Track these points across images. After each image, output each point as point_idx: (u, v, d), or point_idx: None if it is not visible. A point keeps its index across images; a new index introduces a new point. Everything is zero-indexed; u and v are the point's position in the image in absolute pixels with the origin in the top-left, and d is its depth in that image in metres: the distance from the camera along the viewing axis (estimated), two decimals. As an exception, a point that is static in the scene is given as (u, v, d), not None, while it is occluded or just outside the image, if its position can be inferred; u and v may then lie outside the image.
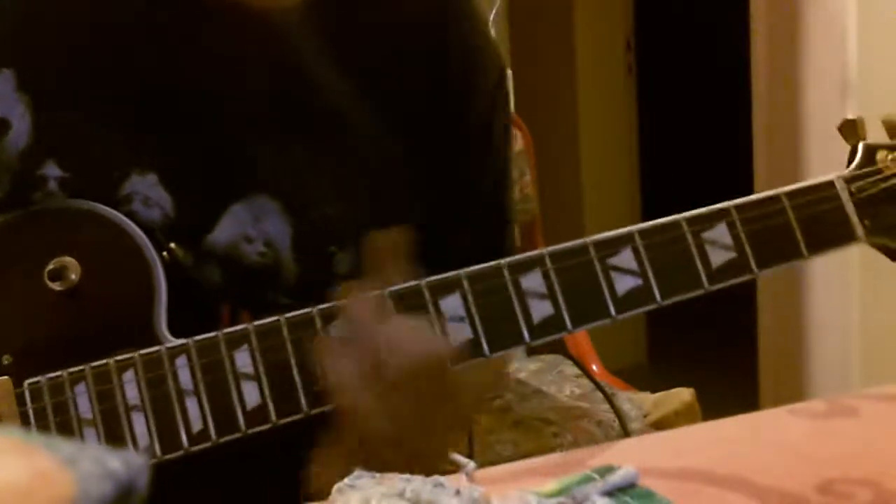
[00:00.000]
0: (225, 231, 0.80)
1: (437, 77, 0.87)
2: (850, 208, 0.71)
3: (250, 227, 0.80)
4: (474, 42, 0.91)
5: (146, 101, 0.80)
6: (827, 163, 2.63)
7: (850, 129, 0.74)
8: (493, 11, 2.35)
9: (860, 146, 0.73)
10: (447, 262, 0.90)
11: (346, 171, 0.83)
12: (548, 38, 3.91)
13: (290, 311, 0.78)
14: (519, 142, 2.16)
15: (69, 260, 0.74)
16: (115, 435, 0.70)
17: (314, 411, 0.70)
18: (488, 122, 0.92)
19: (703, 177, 4.47)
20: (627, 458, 0.61)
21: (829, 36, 2.35)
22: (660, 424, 1.92)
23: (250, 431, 0.70)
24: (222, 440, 0.70)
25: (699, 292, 0.71)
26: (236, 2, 0.83)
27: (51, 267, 0.74)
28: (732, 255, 0.71)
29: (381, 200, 0.85)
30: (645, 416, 1.96)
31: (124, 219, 0.76)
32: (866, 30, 2.27)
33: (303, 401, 0.70)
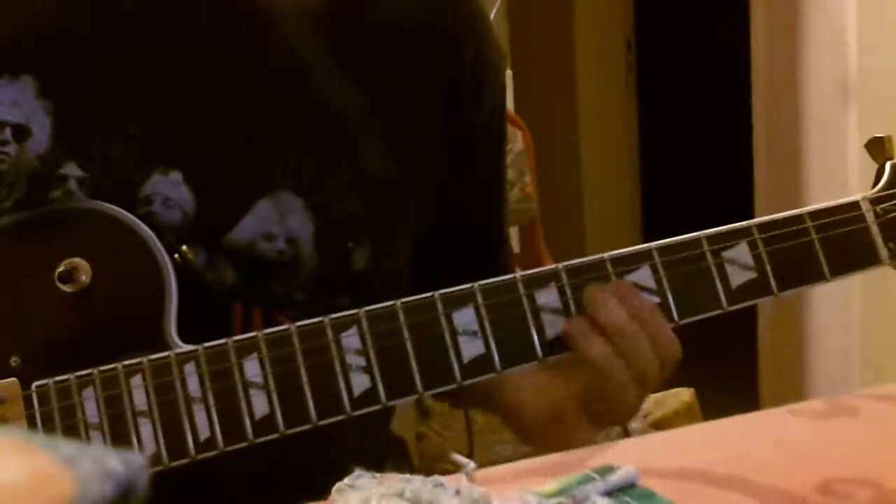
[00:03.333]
0: (246, 229, 0.80)
1: (447, 79, 0.88)
2: (874, 230, 0.70)
3: (274, 224, 0.80)
4: (484, 47, 0.92)
5: (168, 101, 0.81)
6: (827, 163, 2.64)
7: (878, 148, 0.72)
8: (494, 11, 2.35)
9: (888, 165, 0.72)
10: (449, 260, 0.90)
11: (361, 169, 0.83)
12: (548, 38, 3.91)
13: (303, 307, 0.78)
14: (519, 142, 2.16)
15: (80, 262, 0.74)
16: (121, 440, 0.70)
17: (323, 422, 0.70)
18: (494, 125, 0.93)
19: (703, 176, 4.48)
20: (627, 458, 0.61)
21: (829, 36, 2.35)
22: (660, 424, 1.92)
23: (258, 441, 0.69)
24: (229, 449, 0.70)
25: (718, 312, 0.70)
26: (256, 2, 0.83)
27: (61, 268, 0.74)
28: (753, 275, 0.70)
29: (393, 197, 0.85)
30: (645, 416, 1.96)
31: (136, 220, 0.76)
32: (866, 30, 2.27)
33: (312, 411, 0.69)
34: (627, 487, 0.58)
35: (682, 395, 2.09)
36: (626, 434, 1.72)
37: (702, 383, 2.14)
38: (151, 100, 0.81)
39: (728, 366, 3.19)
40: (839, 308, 2.39)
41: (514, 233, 2.18)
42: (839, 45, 2.31)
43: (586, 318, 0.70)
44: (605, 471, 0.58)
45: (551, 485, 0.57)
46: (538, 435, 0.82)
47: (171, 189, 0.79)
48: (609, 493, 0.57)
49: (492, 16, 2.31)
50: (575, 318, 0.70)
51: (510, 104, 2.31)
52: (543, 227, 2.26)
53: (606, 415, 0.75)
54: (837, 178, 2.26)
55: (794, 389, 2.58)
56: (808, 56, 2.45)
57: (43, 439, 0.34)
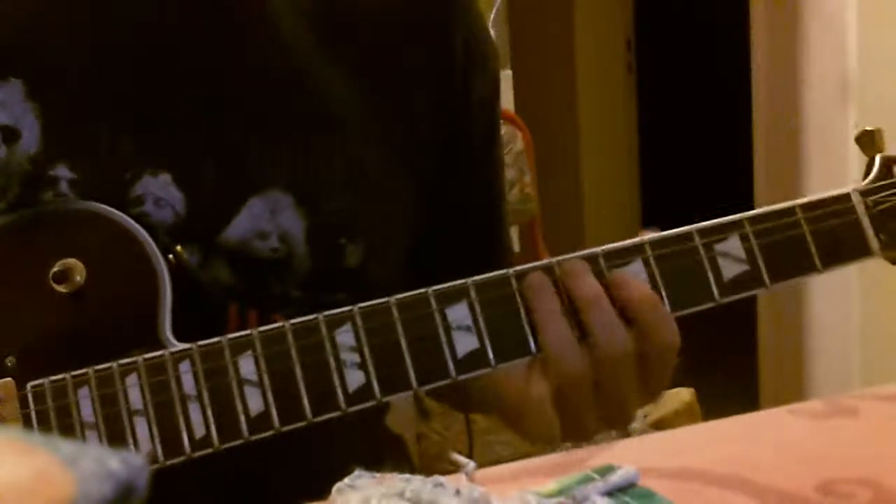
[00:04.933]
0: (239, 227, 0.80)
1: (438, 76, 0.88)
2: (865, 222, 0.70)
3: (266, 222, 0.80)
4: (477, 40, 0.92)
5: (158, 101, 0.80)
6: (826, 162, 2.63)
7: (868, 141, 0.73)
8: (493, 11, 2.35)
9: (877, 158, 0.72)
10: (446, 258, 0.90)
11: (354, 164, 0.83)
12: (548, 38, 3.92)
13: (299, 304, 0.78)
14: (519, 142, 2.16)
15: (74, 262, 0.74)
16: (117, 439, 0.70)
17: (318, 419, 0.70)
18: (484, 118, 0.93)
19: (702, 176, 4.48)
20: (627, 458, 0.61)
21: (829, 36, 2.35)
22: (660, 424, 1.92)
23: (253, 438, 0.69)
24: (224, 446, 0.70)
25: (710, 305, 0.70)
26: (246, 1, 0.83)
27: (56, 269, 0.74)
28: (745, 267, 0.70)
29: (387, 194, 0.85)
30: (645, 416, 1.96)
31: (130, 220, 0.76)
32: (866, 30, 2.27)
33: (307, 408, 0.69)
34: (627, 487, 0.58)
35: (682, 395, 2.09)
36: (627, 434, 1.72)
37: (702, 383, 2.14)
38: (141, 100, 0.80)
39: (728, 366, 3.19)
40: (839, 308, 2.39)
41: (514, 233, 2.18)
42: (839, 45, 2.31)
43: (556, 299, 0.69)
44: (605, 471, 0.58)
45: (551, 485, 0.57)
46: (517, 422, 0.80)
47: (161, 189, 0.79)
48: (609, 493, 0.57)
49: (492, 16, 2.31)
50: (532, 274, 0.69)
51: (510, 104, 2.31)
52: (543, 227, 2.26)
53: (583, 413, 0.73)
54: (837, 177, 2.26)
55: (794, 389, 2.58)
56: (808, 56, 2.45)
57: (43, 439, 0.34)
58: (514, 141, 2.10)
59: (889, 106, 2.16)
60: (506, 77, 2.18)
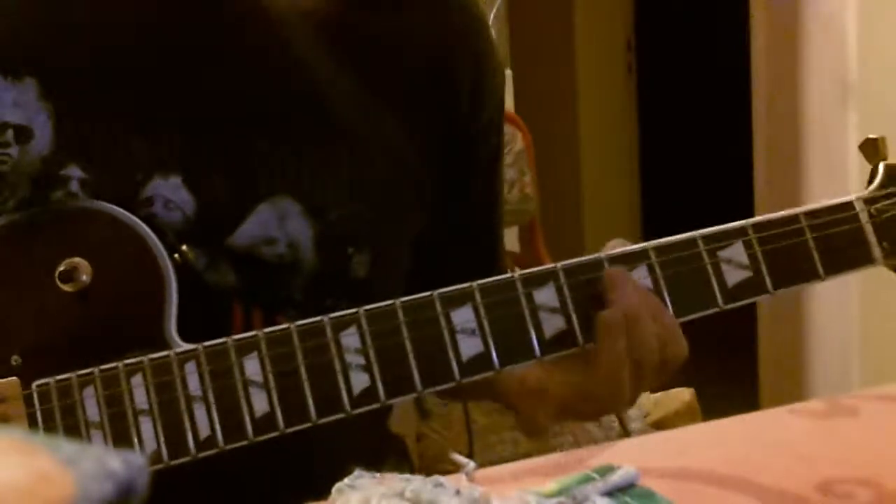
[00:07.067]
0: (247, 232, 0.80)
1: (446, 91, 0.88)
2: (868, 230, 0.70)
3: (274, 229, 0.80)
4: (483, 60, 0.92)
5: (170, 104, 0.81)
6: (826, 163, 2.63)
7: (871, 149, 0.73)
8: (493, 11, 2.35)
9: (881, 166, 0.72)
10: (448, 262, 0.90)
11: (361, 174, 0.83)
12: (548, 38, 3.92)
13: (302, 307, 0.78)
14: (519, 142, 2.15)
15: (80, 261, 0.74)
16: (122, 439, 0.70)
17: (322, 420, 0.70)
18: (491, 139, 0.93)
19: (702, 177, 4.48)
20: (627, 458, 0.61)
21: (829, 36, 2.35)
22: (660, 424, 1.92)
23: (258, 439, 0.69)
24: (229, 447, 0.70)
25: (714, 310, 0.71)
26: (256, 4, 0.83)
27: (62, 268, 0.74)
28: (748, 274, 0.70)
29: (392, 204, 0.85)
30: (645, 416, 1.97)
31: (136, 220, 0.76)
32: (866, 30, 2.27)
33: (312, 410, 0.69)
34: (627, 487, 0.58)
35: (682, 395, 2.09)
36: (626, 434, 1.72)
37: (702, 383, 2.14)
38: (153, 102, 0.81)
39: (728, 366, 3.19)
40: (839, 308, 2.39)
41: (514, 233, 2.19)
42: (839, 45, 2.31)
43: (618, 312, 0.70)
44: (605, 471, 0.58)
45: (551, 485, 0.57)
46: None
47: (171, 192, 0.79)
48: (609, 493, 0.57)
49: (492, 16, 2.31)
50: (609, 311, 0.70)
51: (510, 104, 2.31)
52: (543, 227, 2.26)
53: (586, 413, 0.75)
54: (837, 178, 2.26)
55: (794, 389, 2.58)
56: (808, 56, 2.45)
57: (44, 439, 0.34)
58: (514, 141, 2.10)
59: (889, 107, 2.16)
60: (506, 77, 2.18)
